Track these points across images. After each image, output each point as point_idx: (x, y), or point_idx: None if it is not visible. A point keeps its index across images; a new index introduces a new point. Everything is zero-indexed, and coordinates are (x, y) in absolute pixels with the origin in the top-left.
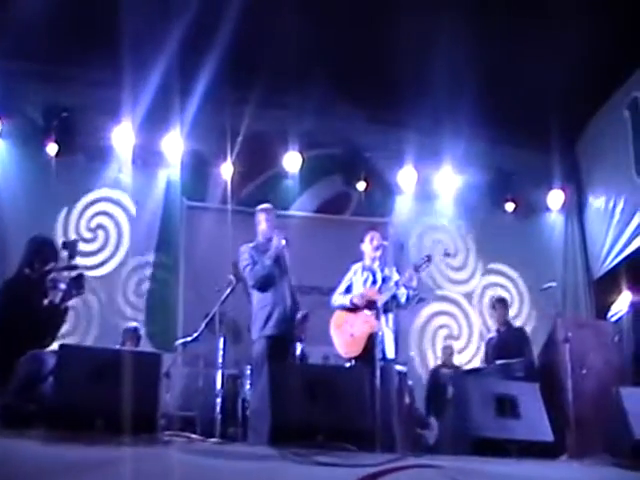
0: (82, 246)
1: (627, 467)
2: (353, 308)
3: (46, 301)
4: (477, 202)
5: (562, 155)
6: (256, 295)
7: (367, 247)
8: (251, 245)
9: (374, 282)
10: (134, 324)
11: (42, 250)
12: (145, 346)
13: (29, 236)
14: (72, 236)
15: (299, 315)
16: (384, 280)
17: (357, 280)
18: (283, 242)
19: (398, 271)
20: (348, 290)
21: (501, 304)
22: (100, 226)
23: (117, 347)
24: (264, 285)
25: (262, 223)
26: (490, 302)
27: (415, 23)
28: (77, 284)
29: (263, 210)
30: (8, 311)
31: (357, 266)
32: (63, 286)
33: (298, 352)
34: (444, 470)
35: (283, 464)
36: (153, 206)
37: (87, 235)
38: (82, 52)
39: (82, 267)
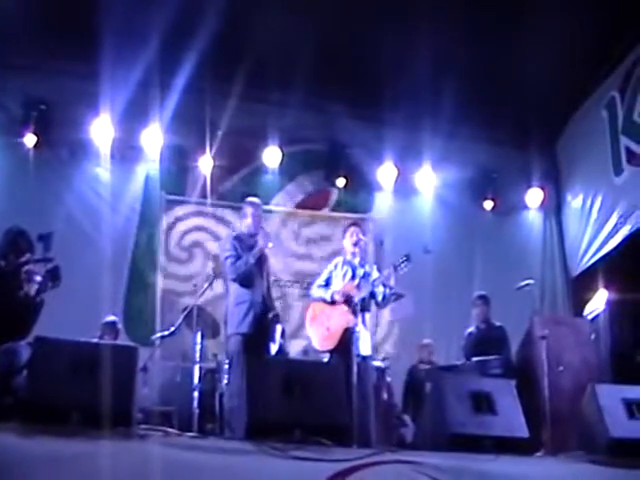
0: None
1: (602, 463)
2: (331, 302)
3: (21, 293)
4: (456, 200)
5: (541, 154)
6: (234, 289)
7: (347, 242)
8: (234, 234)
9: (353, 277)
10: (112, 318)
11: (17, 242)
12: (122, 340)
13: (6, 227)
14: None
15: (270, 315)
16: (364, 276)
17: (337, 274)
18: (270, 245)
19: (378, 269)
20: (327, 283)
21: (482, 301)
22: None
23: (95, 340)
24: (245, 281)
25: (248, 217)
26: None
27: (397, 20)
28: (53, 276)
29: (251, 204)
30: None
31: (338, 260)
32: (39, 278)
33: (276, 348)
34: (420, 466)
35: (260, 458)
36: (132, 200)
37: None
38: (61, 44)
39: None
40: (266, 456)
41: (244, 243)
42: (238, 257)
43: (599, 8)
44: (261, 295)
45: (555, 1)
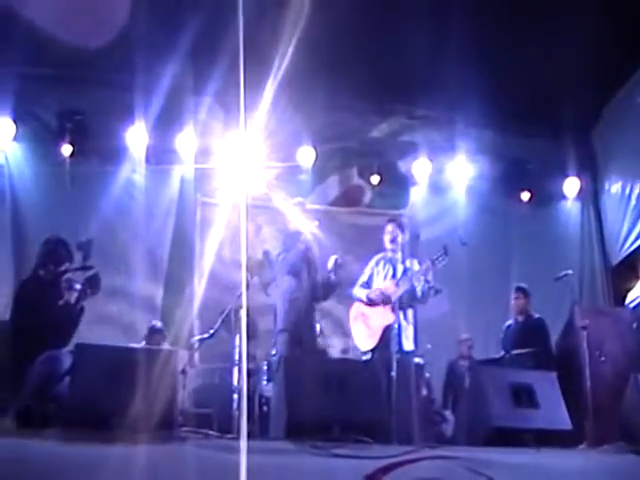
0: None
1: None
2: (369, 303)
3: (61, 302)
4: (493, 192)
5: (577, 143)
6: (284, 284)
7: (386, 239)
8: (285, 234)
9: (394, 275)
10: (159, 323)
11: (56, 251)
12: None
13: (45, 237)
14: None
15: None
16: (404, 272)
17: (378, 272)
18: (316, 223)
19: (419, 263)
20: (369, 282)
21: (521, 293)
22: None
23: (134, 345)
24: (293, 272)
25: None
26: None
27: (428, 15)
28: (92, 284)
29: (296, 204)
30: (24, 312)
31: (379, 257)
32: (78, 286)
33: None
34: (461, 461)
35: (300, 457)
36: (167, 204)
37: None
38: (94, 55)
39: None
40: (306, 455)
41: (292, 240)
42: (287, 251)
43: None
44: (308, 287)
45: None
